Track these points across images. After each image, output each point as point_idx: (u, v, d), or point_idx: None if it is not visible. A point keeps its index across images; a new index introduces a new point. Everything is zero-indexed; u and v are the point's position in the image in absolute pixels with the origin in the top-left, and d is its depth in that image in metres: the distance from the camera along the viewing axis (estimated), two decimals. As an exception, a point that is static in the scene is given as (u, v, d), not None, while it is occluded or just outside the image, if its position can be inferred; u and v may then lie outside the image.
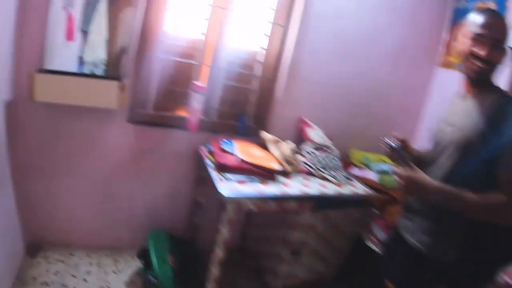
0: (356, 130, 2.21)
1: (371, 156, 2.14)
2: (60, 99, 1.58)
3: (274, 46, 1.96)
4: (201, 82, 1.80)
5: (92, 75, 1.65)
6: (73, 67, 1.66)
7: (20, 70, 1.54)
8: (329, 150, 1.93)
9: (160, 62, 1.79)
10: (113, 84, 1.62)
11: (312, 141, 1.93)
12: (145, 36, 1.72)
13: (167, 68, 1.82)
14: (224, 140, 1.77)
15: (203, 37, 1.84)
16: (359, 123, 2.22)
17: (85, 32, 1.69)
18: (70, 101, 1.59)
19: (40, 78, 1.51)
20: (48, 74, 1.53)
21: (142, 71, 1.75)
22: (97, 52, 1.74)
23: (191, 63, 1.84)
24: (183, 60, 1.82)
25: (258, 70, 1.97)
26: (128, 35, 1.69)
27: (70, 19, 1.66)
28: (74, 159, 1.75)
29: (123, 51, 1.70)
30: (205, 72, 1.88)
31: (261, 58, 1.97)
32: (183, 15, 1.81)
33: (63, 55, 1.65)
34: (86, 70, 1.69)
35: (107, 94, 1.63)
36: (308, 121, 2.01)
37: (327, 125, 2.06)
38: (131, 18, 1.67)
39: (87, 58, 1.73)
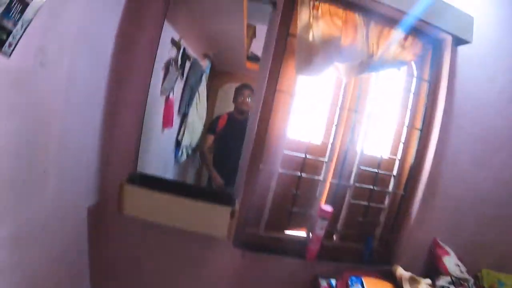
0: (488, 245, 1.86)
1: (506, 279, 1.80)
2: (154, 217, 1.32)
3: (410, 155, 1.62)
4: (327, 206, 1.49)
5: (197, 190, 1.38)
6: (168, 152, 1.50)
7: (110, 169, 1.37)
8: (466, 284, 1.61)
9: (275, 174, 1.49)
10: (223, 211, 1.33)
11: (448, 273, 1.61)
12: (259, 143, 1.43)
13: (283, 182, 1.53)
14: (352, 277, 1.47)
15: (327, 145, 1.55)
16: (492, 237, 1.86)
17: (184, 115, 1.53)
18: (166, 222, 1.33)
19: (131, 191, 1.27)
20: (140, 186, 1.29)
21: (254, 184, 1.47)
22: (195, 136, 1.57)
23: (313, 178, 1.54)
24: (305, 175, 1.54)
25: (390, 184, 1.64)
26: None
27: (169, 105, 1.47)
28: (166, 279, 1.52)
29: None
30: (328, 187, 1.57)
31: (393, 168, 1.63)
32: (304, 118, 1.50)
33: (159, 141, 1.48)
34: (183, 153, 1.53)
35: (214, 221, 1.35)
36: (443, 245, 1.68)
37: (457, 241, 1.72)
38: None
39: (185, 141, 1.55)
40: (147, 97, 1.32)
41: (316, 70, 1.36)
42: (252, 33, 1.82)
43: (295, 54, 1.36)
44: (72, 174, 1.16)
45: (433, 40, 1.55)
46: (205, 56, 1.61)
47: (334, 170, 1.57)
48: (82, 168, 1.24)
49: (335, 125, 1.50)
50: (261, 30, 1.61)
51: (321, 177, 1.55)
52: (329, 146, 1.52)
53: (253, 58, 1.66)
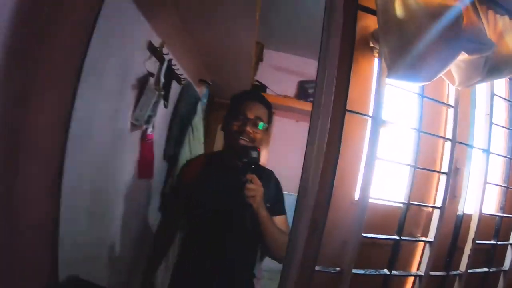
0: None
1: None
2: None
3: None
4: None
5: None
6: (147, 212, 1.05)
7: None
8: None
9: (346, 278, 0.76)
10: None
11: None
12: (318, 223, 0.71)
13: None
14: None
15: (428, 213, 0.85)
16: None
17: (171, 158, 1.07)
18: None
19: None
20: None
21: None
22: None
23: (408, 275, 0.82)
24: (396, 273, 0.80)
25: (504, 258, 1.00)
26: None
27: (147, 144, 0.96)
28: None
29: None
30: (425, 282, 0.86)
31: (510, 234, 1.00)
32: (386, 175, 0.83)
33: (129, 198, 0.96)
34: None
35: None
36: None
37: None
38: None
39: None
40: (67, 131, 0.66)
41: (425, 68, 0.69)
42: (259, 53, 1.41)
43: (380, 40, 0.70)
44: None
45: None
46: (202, 82, 1.20)
47: (437, 252, 0.87)
48: None
49: (446, 173, 0.82)
50: (270, 55, 1.47)
51: (421, 271, 0.83)
52: (438, 213, 0.82)
53: (259, 88, 1.42)
